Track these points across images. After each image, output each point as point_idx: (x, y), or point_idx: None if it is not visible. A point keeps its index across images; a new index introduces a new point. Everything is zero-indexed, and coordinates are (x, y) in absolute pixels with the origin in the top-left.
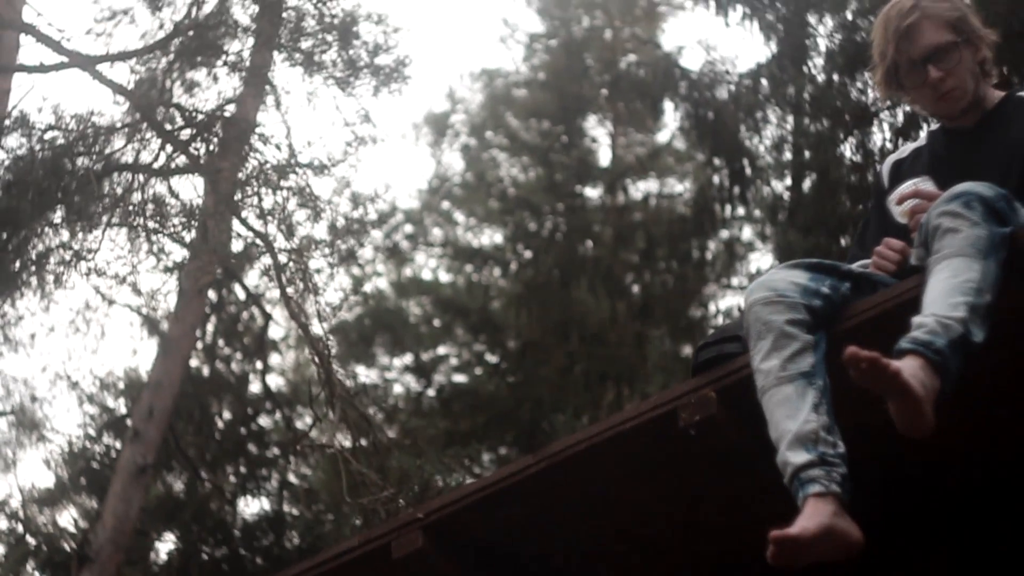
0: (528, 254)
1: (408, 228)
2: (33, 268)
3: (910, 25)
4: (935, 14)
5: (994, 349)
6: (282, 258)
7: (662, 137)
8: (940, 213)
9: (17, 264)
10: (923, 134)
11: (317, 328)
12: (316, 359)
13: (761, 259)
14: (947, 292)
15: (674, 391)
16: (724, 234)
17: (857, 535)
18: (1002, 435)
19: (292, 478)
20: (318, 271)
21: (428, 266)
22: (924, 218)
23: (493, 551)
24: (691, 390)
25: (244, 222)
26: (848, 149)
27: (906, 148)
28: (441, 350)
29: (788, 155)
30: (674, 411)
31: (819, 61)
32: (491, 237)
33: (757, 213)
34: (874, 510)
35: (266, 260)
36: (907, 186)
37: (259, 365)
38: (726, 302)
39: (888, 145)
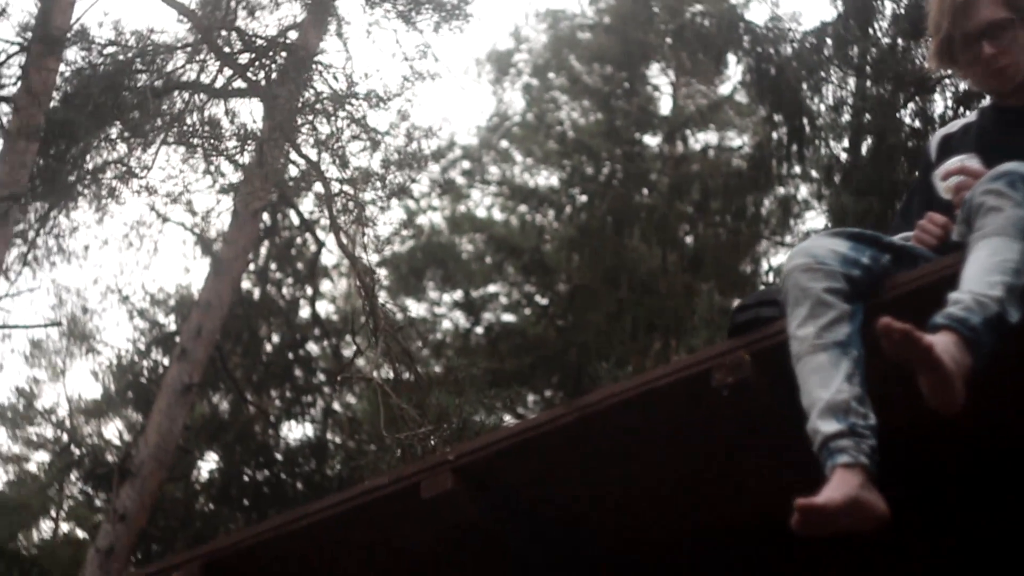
0: (583, 198)
1: (465, 164)
2: (88, 181)
3: (967, 1)
4: None
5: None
6: (334, 187)
7: (723, 90)
8: (984, 191)
9: (73, 176)
10: (975, 112)
11: (366, 259)
12: (362, 290)
13: (815, 219)
14: (985, 270)
15: (709, 351)
16: (780, 191)
17: (883, 508)
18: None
19: (336, 406)
20: (370, 203)
21: (483, 204)
22: (968, 195)
23: (521, 497)
24: (726, 351)
25: (298, 149)
26: (908, 115)
27: (956, 123)
28: (491, 288)
29: (847, 117)
30: (708, 371)
31: (884, 24)
32: (547, 179)
33: (813, 173)
34: (898, 484)
35: (319, 188)
36: (953, 162)
37: (309, 291)
38: (777, 259)
39: (949, 113)
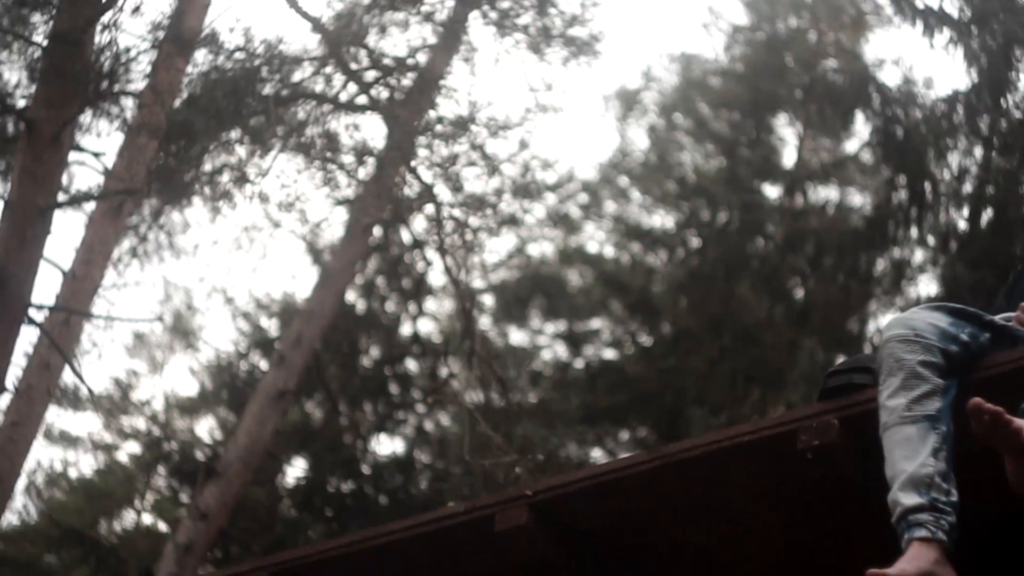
0: (696, 242)
1: (581, 199)
2: (204, 182)
3: None
4: None
5: None
6: (445, 211)
7: (849, 147)
8: None
9: (189, 176)
10: None
11: (470, 283)
12: (462, 314)
13: (927, 285)
14: None
15: (797, 412)
16: (895, 254)
17: None
18: None
19: (427, 426)
20: (479, 228)
21: (596, 238)
22: None
23: (596, 539)
24: (815, 414)
25: (414, 170)
26: None
27: None
28: (594, 324)
29: (969, 186)
30: (795, 432)
31: (1016, 98)
32: (663, 220)
33: (930, 239)
34: (978, 568)
35: (431, 210)
36: None
37: (412, 309)
38: (885, 321)
39: None
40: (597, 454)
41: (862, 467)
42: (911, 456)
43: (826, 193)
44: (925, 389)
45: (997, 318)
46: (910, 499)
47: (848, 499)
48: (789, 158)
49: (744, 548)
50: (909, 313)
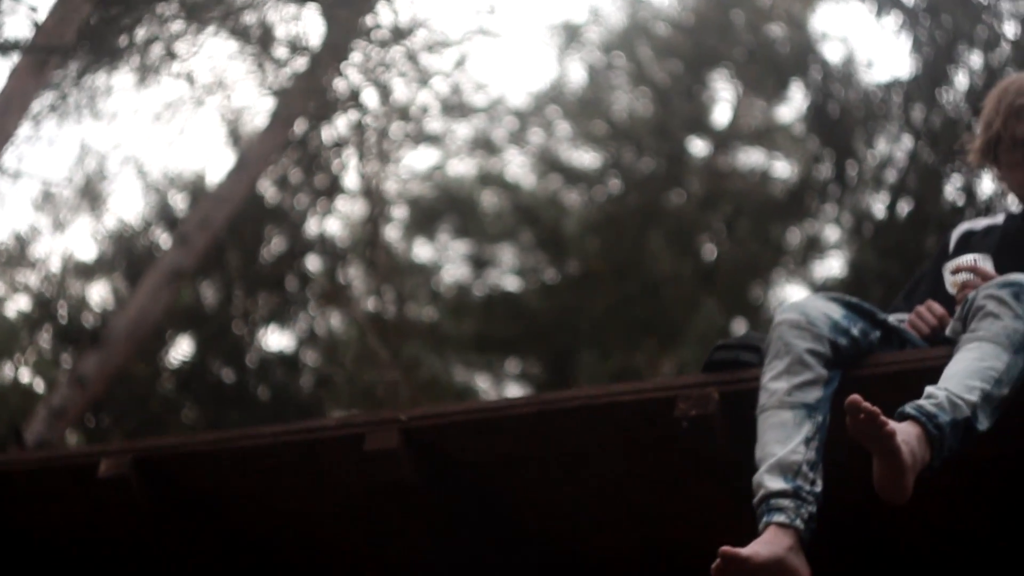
0: (617, 186)
1: (509, 124)
2: (133, 51)
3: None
4: None
5: (994, 441)
6: (369, 117)
7: (782, 115)
8: (988, 295)
9: (120, 42)
10: (1003, 214)
11: (383, 192)
12: (371, 221)
13: (834, 266)
14: (968, 373)
15: (679, 380)
16: (809, 228)
17: (806, 575)
18: (976, 527)
19: (319, 328)
20: (402, 140)
21: (516, 166)
22: (971, 294)
23: (467, 473)
24: (696, 384)
25: (344, 72)
26: (953, 191)
27: (981, 221)
28: (502, 251)
29: (893, 175)
30: (674, 399)
31: (954, 96)
32: (587, 158)
33: (846, 221)
34: (828, 557)
35: (356, 114)
36: (967, 258)
37: (322, 209)
38: (786, 293)
39: (995, 197)
40: (484, 383)
41: (734, 443)
42: (783, 441)
43: (752, 157)
44: (808, 377)
45: (891, 318)
46: (775, 483)
47: (716, 473)
48: (722, 117)
49: (610, 505)
50: (805, 300)
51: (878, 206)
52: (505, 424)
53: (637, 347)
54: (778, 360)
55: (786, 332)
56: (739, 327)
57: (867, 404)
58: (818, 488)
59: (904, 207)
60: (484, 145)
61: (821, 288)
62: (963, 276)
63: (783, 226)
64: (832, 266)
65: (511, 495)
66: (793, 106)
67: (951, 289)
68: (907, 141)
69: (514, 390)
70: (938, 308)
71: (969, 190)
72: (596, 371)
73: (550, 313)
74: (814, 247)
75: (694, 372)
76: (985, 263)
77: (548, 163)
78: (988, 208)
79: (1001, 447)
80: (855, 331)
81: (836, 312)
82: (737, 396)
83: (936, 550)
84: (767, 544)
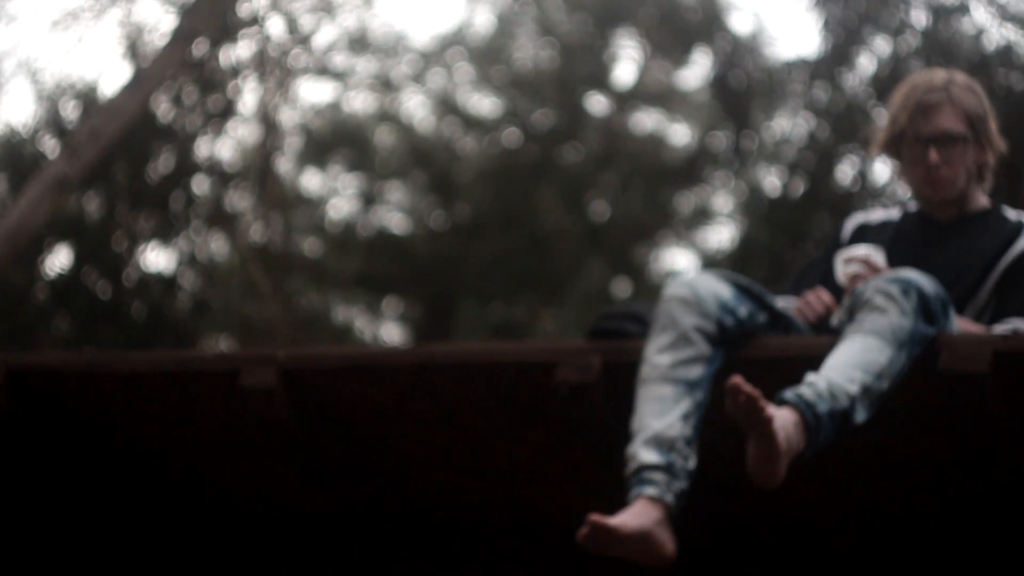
0: (514, 136)
1: (412, 63)
2: None
3: (932, 104)
4: (959, 103)
5: (868, 435)
6: (272, 44)
7: (686, 81)
8: (876, 289)
9: None
10: (898, 209)
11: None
12: (263, 149)
13: (721, 236)
14: (850, 364)
15: (561, 344)
16: (702, 194)
17: (671, 550)
18: (843, 519)
19: (201, 254)
20: (302, 69)
21: (413, 106)
22: (861, 287)
23: (338, 416)
24: (578, 350)
25: None
26: (849, 173)
27: (877, 214)
28: (392, 191)
29: (791, 153)
30: (555, 364)
31: (857, 80)
32: (485, 105)
33: (739, 194)
34: (695, 534)
35: (258, 40)
36: (859, 250)
37: (214, 131)
38: (672, 258)
39: (888, 184)
40: (362, 322)
41: (613, 413)
42: (661, 415)
43: (651, 120)
44: (691, 354)
45: (778, 302)
46: (649, 456)
47: (592, 441)
48: (625, 77)
49: (483, 462)
50: (695, 277)
51: (772, 181)
52: (384, 372)
53: (518, 299)
54: (663, 334)
55: (674, 307)
56: (622, 287)
57: (748, 386)
58: (691, 465)
59: (798, 185)
60: (384, 83)
61: (707, 257)
62: (855, 268)
63: (675, 191)
64: (721, 236)
65: (385, 443)
66: (697, 73)
67: (841, 279)
68: (807, 120)
69: (392, 331)
70: (826, 296)
71: (863, 175)
72: (475, 320)
73: (435, 258)
74: (704, 215)
75: (576, 337)
76: (878, 256)
77: (447, 106)
78: (880, 194)
79: (875, 440)
80: (742, 312)
81: (725, 292)
82: (619, 366)
83: (801, 537)
84: (636, 516)
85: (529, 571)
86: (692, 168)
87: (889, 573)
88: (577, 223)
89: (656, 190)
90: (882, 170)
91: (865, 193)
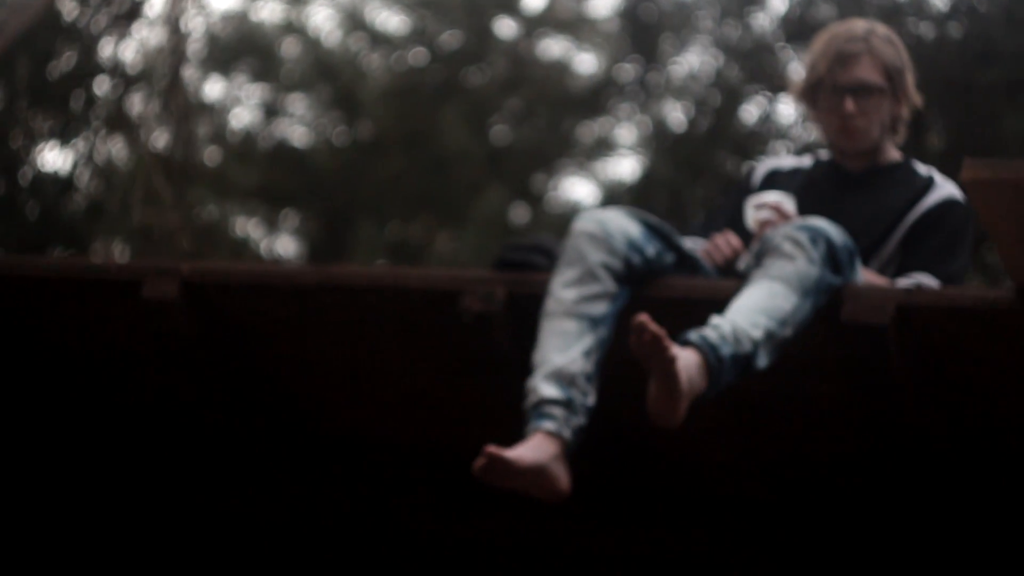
0: (419, 55)
1: None
2: None
3: (851, 54)
4: (878, 54)
5: (771, 381)
6: None
7: (595, 9)
8: (785, 236)
9: None
10: (809, 157)
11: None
12: (167, 53)
13: (622, 168)
14: (755, 309)
15: (462, 273)
16: (604, 127)
17: (566, 486)
18: (740, 460)
19: (99, 156)
20: None
21: (320, 19)
22: (770, 233)
23: (239, 332)
24: (484, 279)
25: None
26: (754, 113)
27: (788, 160)
28: (294, 103)
29: (697, 89)
30: (460, 293)
31: (767, 20)
32: (394, 23)
33: (644, 126)
34: (591, 471)
35: None
36: (770, 196)
37: (118, 32)
38: (571, 187)
39: (793, 126)
40: (259, 234)
41: (515, 344)
42: (562, 349)
43: (558, 46)
44: (597, 290)
45: (686, 242)
46: (548, 390)
47: (493, 371)
48: (536, 1)
49: (383, 387)
50: (605, 212)
51: (677, 116)
52: (287, 290)
53: (416, 220)
54: (570, 269)
55: (582, 242)
56: (521, 214)
57: (654, 325)
58: (590, 402)
59: (703, 122)
60: None
61: (608, 189)
62: (765, 214)
63: (578, 121)
64: (623, 169)
65: (284, 362)
66: (607, 2)
67: (751, 224)
68: (715, 58)
69: (289, 244)
70: (735, 240)
71: (770, 119)
72: (372, 238)
73: (334, 173)
74: (607, 146)
75: (477, 264)
76: (788, 203)
77: (354, 22)
78: (784, 135)
79: (777, 387)
80: (650, 251)
81: (634, 230)
82: (524, 298)
83: (699, 479)
84: (532, 449)
85: (421, 500)
86: (597, 98)
87: (789, 520)
88: (479, 147)
89: (560, 118)
90: (787, 111)
91: (769, 134)
